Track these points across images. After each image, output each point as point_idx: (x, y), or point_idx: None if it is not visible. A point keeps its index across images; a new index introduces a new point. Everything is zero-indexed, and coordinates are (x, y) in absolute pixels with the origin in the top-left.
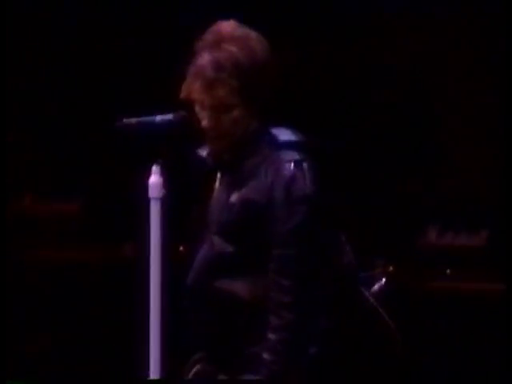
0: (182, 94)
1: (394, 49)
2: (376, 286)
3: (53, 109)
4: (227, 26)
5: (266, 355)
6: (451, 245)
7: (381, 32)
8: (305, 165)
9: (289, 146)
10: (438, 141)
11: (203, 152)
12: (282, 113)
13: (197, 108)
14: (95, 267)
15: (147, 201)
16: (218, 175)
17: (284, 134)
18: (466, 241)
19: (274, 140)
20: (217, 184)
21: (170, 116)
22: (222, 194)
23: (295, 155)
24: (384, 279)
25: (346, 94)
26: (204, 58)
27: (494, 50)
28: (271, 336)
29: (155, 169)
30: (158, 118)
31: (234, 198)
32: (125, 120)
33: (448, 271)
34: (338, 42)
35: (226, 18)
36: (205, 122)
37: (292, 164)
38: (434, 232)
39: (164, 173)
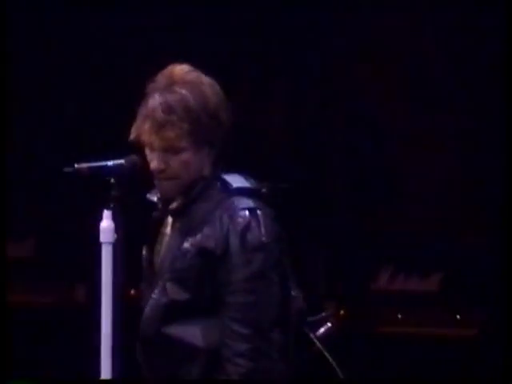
0: (132, 136)
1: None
2: (322, 330)
3: (7, 148)
4: (180, 70)
5: None
6: (402, 289)
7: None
8: (259, 212)
9: (242, 192)
10: (390, 183)
11: (153, 197)
12: (234, 158)
13: (146, 150)
14: (46, 311)
15: (99, 245)
16: (169, 220)
17: (237, 181)
18: (417, 285)
19: (226, 186)
20: (168, 229)
21: (121, 161)
22: (174, 240)
23: (249, 202)
24: (330, 323)
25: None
26: (155, 100)
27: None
28: None
29: (106, 213)
30: (110, 162)
31: (187, 244)
32: (76, 165)
33: (399, 316)
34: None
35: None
36: (154, 164)
37: (247, 212)
38: (386, 276)
39: (116, 217)
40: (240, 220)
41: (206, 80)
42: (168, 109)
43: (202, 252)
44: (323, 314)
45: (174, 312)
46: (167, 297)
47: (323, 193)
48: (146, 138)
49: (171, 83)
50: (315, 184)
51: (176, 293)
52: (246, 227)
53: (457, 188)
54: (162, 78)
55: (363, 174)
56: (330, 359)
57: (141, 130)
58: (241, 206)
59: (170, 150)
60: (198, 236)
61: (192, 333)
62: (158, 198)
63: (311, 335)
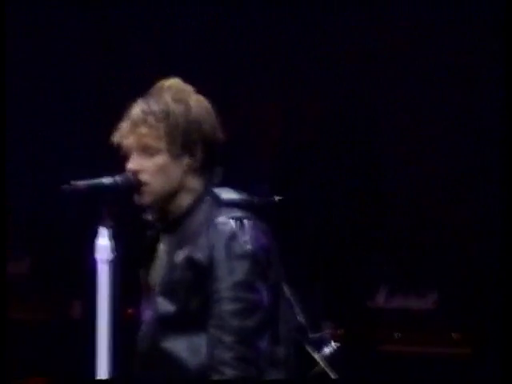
0: (114, 138)
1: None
2: (327, 349)
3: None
4: (170, 81)
5: None
6: (400, 308)
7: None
8: (246, 222)
9: (231, 204)
10: (390, 200)
11: (148, 216)
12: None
13: (124, 152)
14: (43, 327)
15: (95, 262)
16: (162, 237)
17: (226, 193)
18: (415, 304)
19: (216, 199)
20: (161, 246)
21: (116, 178)
22: (166, 255)
23: (237, 212)
24: (334, 343)
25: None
26: (137, 103)
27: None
28: None
29: (102, 231)
30: (105, 180)
31: (177, 258)
32: (72, 182)
33: (397, 334)
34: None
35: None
36: (129, 165)
37: (233, 221)
38: (383, 294)
39: (113, 235)
40: (226, 229)
41: (194, 94)
42: (146, 109)
43: (190, 264)
44: (325, 332)
45: (165, 326)
46: (158, 311)
47: (320, 208)
48: (123, 138)
49: (157, 90)
50: (311, 198)
51: (165, 306)
52: (232, 236)
53: (454, 206)
54: (152, 88)
55: (357, 192)
56: (333, 376)
57: (120, 130)
58: (227, 216)
59: (145, 150)
60: (187, 249)
61: (182, 347)
62: (153, 217)
63: (315, 354)
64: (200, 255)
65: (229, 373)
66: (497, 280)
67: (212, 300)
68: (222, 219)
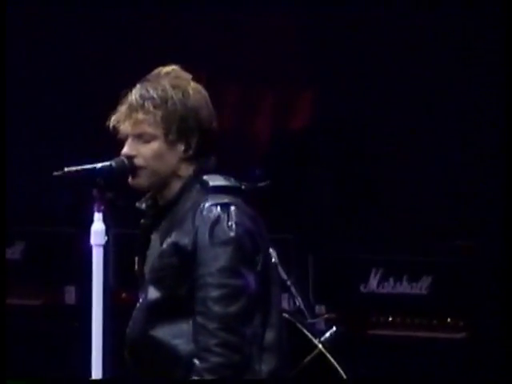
0: (110, 123)
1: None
2: (327, 334)
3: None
4: (169, 68)
5: None
6: (392, 292)
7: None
8: (232, 207)
9: (218, 190)
10: (382, 183)
11: (142, 204)
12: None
13: (120, 136)
14: (36, 313)
15: (89, 247)
16: (154, 224)
17: (214, 180)
18: (407, 289)
19: (204, 185)
20: (153, 233)
21: (110, 162)
22: (156, 243)
23: (223, 198)
24: (334, 327)
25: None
26: (136, 88)
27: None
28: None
29: (97, 216)
30: (99, 165)
31: (164, 244)
32: (66, 169)
33: (389, 319)
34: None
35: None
36: (124, 150)
37: (218, 207)
38: (375, 280)
39: (107, 220)
40: (210, 215)
41: (193, 83)
42: (145, 94)
43: (176, 250)
44: (325, 317)
45: (155, 314)
46: (148, 297)
47: (311, 194)
48: (120, 122)
49: (156, 76)
50: (303, 183)
51: (154, 292)
52: (215, 222)
53: (449, 194)
54: (150, 74)
55: (348, 177)
56: (333, 361)
57: (117, 115)
58: (213, 202)
59: (141, 136)
60: (173, 235)
61: (171, 334)
62: (147, 206)
63: (314, 339)
64: (185, 241)
65: (213, 360)
66: (493, 264)
67: (197, 286)
68: (207, 205)
